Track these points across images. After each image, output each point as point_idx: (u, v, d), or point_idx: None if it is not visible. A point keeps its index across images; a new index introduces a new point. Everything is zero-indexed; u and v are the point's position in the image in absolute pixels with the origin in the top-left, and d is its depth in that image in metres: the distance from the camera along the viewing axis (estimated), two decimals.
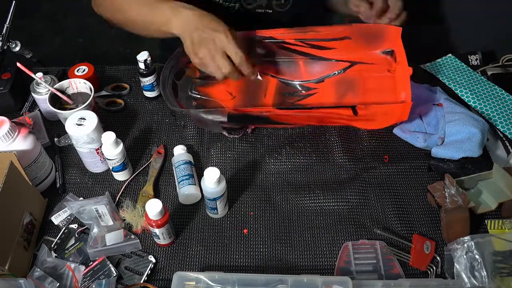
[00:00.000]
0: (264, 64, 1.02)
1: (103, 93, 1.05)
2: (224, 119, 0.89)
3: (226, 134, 0.97)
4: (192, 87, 1.00)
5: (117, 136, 0.83)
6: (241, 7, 1.04)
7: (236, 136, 0.97)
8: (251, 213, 0.87)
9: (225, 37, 0.82)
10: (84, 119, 0.84)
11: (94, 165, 0.90)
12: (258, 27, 0.99)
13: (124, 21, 0.96)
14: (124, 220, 0.83)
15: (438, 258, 0.80)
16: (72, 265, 0.77)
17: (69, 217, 0.84)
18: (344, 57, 1.00)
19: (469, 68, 1.10)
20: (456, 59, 1.13)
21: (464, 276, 0.73)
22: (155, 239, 0.81)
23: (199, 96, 1.00)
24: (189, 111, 0.94)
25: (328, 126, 0.99)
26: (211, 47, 0.83)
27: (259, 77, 0.92)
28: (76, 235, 0.82)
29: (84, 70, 1.02)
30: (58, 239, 0.81)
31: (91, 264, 0.78)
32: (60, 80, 0.96)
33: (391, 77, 0.95)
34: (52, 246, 0.80)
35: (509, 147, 0.95)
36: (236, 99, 1.00)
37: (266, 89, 1.01)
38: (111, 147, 0.83)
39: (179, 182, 0.87)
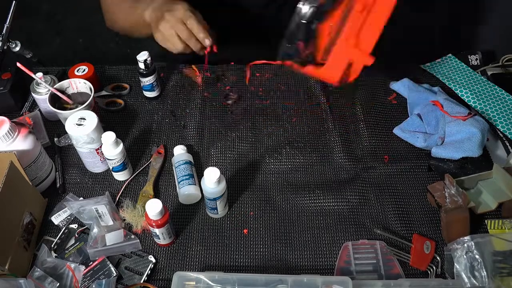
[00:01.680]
0: None
1: (103, 93, 1.05)
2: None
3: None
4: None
5: (117, 136, 0.83)
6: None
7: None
8: (251, 213, 0.87)
9: (183, 9, 0.87)
10: (84, 119, 0.84)
11: (94, 165, 0.90)
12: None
13: (119, 27, 1.05)
14: (124, 220, 0.83)
15: (438, 258, 0.80)
16: (72, 265, 0.77)
17: (69, 217, 0.84)
18: None
19: (469, 68, 1.10)
20: (456, 59, 1.13)
21: (464, 276, 0.73)
22: (155, 239, 0.81)
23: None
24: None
25: (328, 126, 1.00)
26: (171, 18, 0.87)
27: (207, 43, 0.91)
28: (76, 235, 0.82)
29: (84, 70, 1.02)
30: (58, 239, 0.81)
31: (91, 264, 0.78)
32: (60, 80, 0.96)
33: None
34: (52, 246, 0.80)
35: (509, 147, 0.95)
36: None
37: None
38: (111, 147, 0.83)
39: (179, 182, 0.87)
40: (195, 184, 0.86)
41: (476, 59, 1.14)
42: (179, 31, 0.87)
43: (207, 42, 0.88)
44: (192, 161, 0.91)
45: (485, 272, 0.72)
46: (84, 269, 0.77)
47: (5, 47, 0.98)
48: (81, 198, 0.88)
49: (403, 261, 0.80)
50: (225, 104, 1.04)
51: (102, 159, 0.89)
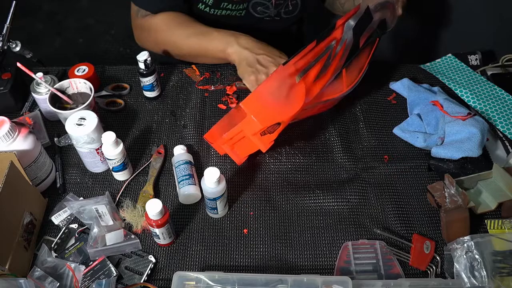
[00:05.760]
0: None
1: (103, 93, 1.05)
2: None
3: None
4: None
5: (117, 136, 0.83)
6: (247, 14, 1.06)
7: None
8: (251, 213, 0.87)
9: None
10: (84, 119, 0.84)
11: (94, 165, 0.90)
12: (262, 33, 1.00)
13: (179, 54, 1.06)
14: (124, 220, 0.83)
15: (438, 258, 0.80)
16: (72, 265, 0.77)
17: (69, 217, 0.85)
18: None
19: (469, 68, 1.10)
20: (456, 59, 1.13)
21: (464, 276, 0.73)
22: (155, 239, 0.81)
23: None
24: None
25: (328, 126, 1.00)
26: (262, 71, 0.91)
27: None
28: (76, 235, 0.82)
29: (84, 70, 1.03)
30: (58, 239, 0.81)
31: (91, 264, 0.78)
32: (60, 80, 0.96)
33: None
34: (52, 246, 0.80)
35: (509, 147, 0.95)
36: None
37: None
38: (111, 147, 0.83)
39: (179, 182, 0.87)
40: (195, 184, 0.86)
41: (476, 59, 1.14)
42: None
43: None
44: (192, 161, 0.91)
45: (485, 272, 0.72)
46: (84, 269, 0.77)
47: (5, 47, 0.98)
48: (81, 198, 0.88)
49: (403, 261, 0.80)
50: (226, 98, 1.05)
51: (102, 159, 0.89)
